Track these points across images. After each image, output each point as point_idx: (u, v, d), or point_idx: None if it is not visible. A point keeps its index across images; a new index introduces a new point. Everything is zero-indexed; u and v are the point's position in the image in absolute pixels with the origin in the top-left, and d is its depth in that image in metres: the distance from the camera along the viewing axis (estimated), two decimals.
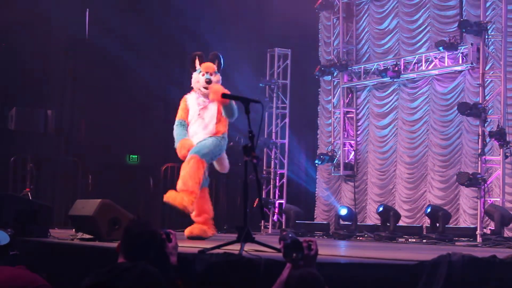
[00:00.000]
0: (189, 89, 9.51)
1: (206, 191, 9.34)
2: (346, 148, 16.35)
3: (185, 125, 9.30)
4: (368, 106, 16.12)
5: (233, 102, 8.84)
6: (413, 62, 14.71)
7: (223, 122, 9.20)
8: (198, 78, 9.28)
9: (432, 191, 14.41)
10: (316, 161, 16.34)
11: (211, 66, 9.28)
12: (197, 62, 9.37)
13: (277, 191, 16.65)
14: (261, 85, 16.60)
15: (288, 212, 14.79)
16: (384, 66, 14.96)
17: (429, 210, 12.75)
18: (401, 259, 5.85)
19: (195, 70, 9.35)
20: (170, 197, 8.71)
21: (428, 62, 14.44)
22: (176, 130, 9.32)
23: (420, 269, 5.06)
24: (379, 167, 15.63)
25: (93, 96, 15.54)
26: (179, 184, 8.81)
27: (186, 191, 8.69)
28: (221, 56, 9.41)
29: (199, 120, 9.17)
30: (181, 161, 9.37)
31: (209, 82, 9.12)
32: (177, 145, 9.16)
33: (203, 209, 9.22)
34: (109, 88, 15.43)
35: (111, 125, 15.34)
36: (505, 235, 11.83)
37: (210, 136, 9.08)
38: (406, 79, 15.07)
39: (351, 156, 16.32)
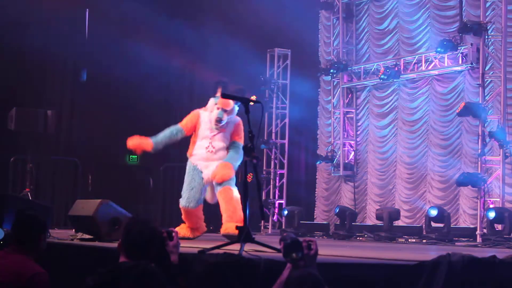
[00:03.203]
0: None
1: (201, 208, 9.40)
2: (346, 148, 16.35)
3: (180, 132, 9.21)
4: (368, 106, 16.12)
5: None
6: (413, 62, 14.71)
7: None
8: (212, 108, 9.11)
9: (431, 191, 14.42)
10: (318, 162, 16.38)
11: (229, 103, 8.98)
12: (219, 90, 9.05)
13: (277, 192, 16.65)
14: (262, 88, 16.57)
15: (292, 213, 14.70)
16: (384, 66, 14.96)
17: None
18: (401, 259, 5.85)
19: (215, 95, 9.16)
20: (228, 228, 8.61)
21: (428, 62, 14.44)
22: (166, 130, 9.22)
23: (420, 269, 5.06)
24: (379, 167, 15.63)
25: (93, 96, 15.55)
26: (229, 212, 8.83)
27: (239, 218, 8.76)
28: (245, 90, 9.07)
29: (214, 149, 9.13)
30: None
31: (219, 121, 8.96)
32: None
33: (197, 219, 9.34)
34: (109, 88, 15.42)
35: (111, 125, 15.33)
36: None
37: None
38: (406, 79, 15.08)
39: (351, 156, 16.32)
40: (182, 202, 9.25)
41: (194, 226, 9.39)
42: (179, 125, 9.29)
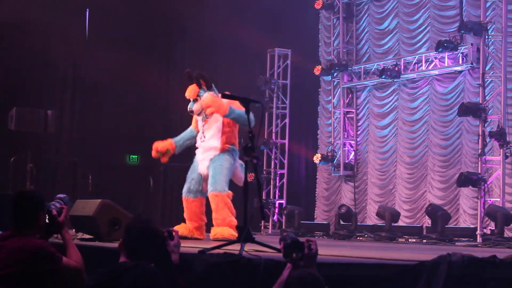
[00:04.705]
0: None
1: (204, 201, 9.34)
2: (346, 148, 16.35)
3: (193, 132, 9.33)
4: (368, 106, 16.13)
5: (239, 110, 8.55)
6: (413, 62, 14.72)
7: (230, 132, 9.05)
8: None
9: (432, 191, 14.42)
10: (320, 162, 16.40)
11: (192, 91, 9.03)
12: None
13: (277, 191, 16.66)
14: (263, 88, 16.58)
15: (293, 213, 14.67)
16: (384, 66, 14.96)
17: (429, 208, 12.70)
18: (401, 259, 5.84)
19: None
20: (217, 233, 8.59)
21: (428, 62, 14.45)
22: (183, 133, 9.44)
23: (420, 269, 5.06)
24: (379, 167, 15.64)
25: (93, 96, 15.54)
26: (216, 219, 8.83)
27: (227, 225, 8.72)
28: (203, 75, 9.01)
29: (204, 138, 9.10)
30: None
31: (191, 112, 9.04)
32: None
33: (197, 216, 9.27)
34: (109, 88, 15.42)
35: (111, 125, 15.32)
36: (505, 235, 11.83)
37: (219, 154, 8.93)
38: (406, 79, 15.08)
39: (351, 156, 16.33)
40: (183, 192, 9.26)
41: (194, 224, 9.32)
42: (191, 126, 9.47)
